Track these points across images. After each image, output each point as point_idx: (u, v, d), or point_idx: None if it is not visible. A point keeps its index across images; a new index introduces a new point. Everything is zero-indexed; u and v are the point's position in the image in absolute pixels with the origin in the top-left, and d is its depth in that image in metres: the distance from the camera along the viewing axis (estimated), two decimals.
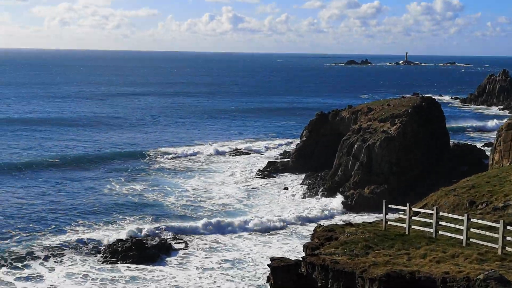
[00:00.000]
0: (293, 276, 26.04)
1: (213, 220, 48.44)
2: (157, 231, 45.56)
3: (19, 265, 38.52)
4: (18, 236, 43.31)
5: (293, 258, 28.18)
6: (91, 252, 41.06)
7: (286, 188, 61.48)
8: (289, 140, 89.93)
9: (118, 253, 40.13)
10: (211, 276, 38.15)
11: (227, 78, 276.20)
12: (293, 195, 59.26)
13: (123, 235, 43.74)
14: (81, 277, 37.17)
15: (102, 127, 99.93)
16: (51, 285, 35.92)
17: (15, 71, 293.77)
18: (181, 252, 42.14)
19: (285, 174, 68.46)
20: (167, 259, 40.80)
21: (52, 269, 38.28)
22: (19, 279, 36.64)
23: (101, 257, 40.19)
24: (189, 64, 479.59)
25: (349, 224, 28.98)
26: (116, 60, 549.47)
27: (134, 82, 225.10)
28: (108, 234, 44.37)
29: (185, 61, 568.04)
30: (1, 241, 42.16)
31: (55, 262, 39.33)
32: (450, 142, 68.11)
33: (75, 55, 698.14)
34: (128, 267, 38.95)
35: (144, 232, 45.12)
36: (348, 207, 54.56)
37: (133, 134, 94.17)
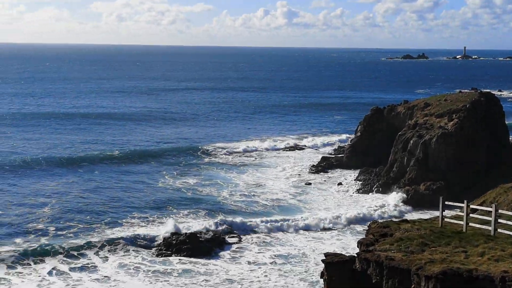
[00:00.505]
0: (347, 272, 25.90)
1: (268, 216, 48.65)
2: (211, 225, 45.93)
3: (75, 253, 39.55)
4: (75, 228, 44.43)
5: (347, 255, 28.09)
6: (145, 244, 41.66)
7: (340, 184, 61.11)
8: (343, 135, 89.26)
9: (172, 246, 40.71)
10: (263, 271, 38.26)
11: (281, 73, 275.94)
12: (347, 191, 58.86)
13: (177, 229, 44.14)
14: (133, 269, 37.93)
15: (157, 122, 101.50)
16: (104, 276, 36.79)
17: (74, 66, 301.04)
18: (234, 246, 42.44)
19: (339, 169, 68.06)
20: (221, 253, 41.15)
21: (105, 259, 39.16)
22: (73, 269, 37.65)
23: (156, 250, 40.82)
24: (243, 59, 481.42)
25: (405, 221, 28.64)
26: (171, 55, 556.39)
27: (189, 77, 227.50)
28: (162, 227, 44.88)
29: (240, 56, 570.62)
30: (59, 232, 43.36)
31: (109, 252, 40.17)
32: (510, 138, 66.25)
33: (131, 51, 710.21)
34: (180, 259, 39.49)
35: (198, 226, 45.62)
36: (403, 204, 53.85)
37: (187, 128, 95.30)
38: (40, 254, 39.01)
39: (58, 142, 78.28)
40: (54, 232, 43.32)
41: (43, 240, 41.34)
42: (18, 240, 41.26)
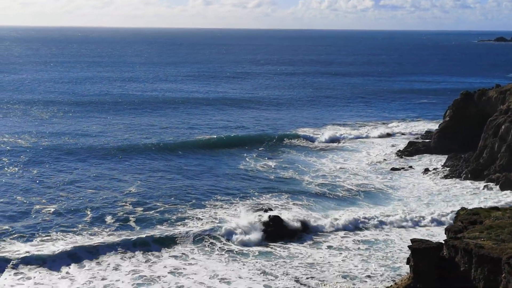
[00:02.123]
0: (435, 259, 25.50)
1: (352, 202, 48.51)
2: (298, 209, 46.12)
3: (157, 232, 40.75)
4: (161, 208, 45.68)
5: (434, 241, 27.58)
6: (228, 226, 42.21)
7: (427, 170, 59.73)
8: (431, 120, 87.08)
9: (257, 228, 41.14)
10: (344, 256, 38.27)
11: (368, 57, 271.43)
12: (435, 177, 57.46)
13: (260, 212, 44.70)
14: (209, 247, 39.12)
15: (239, 106, 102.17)
16: (182, 253, 38.07)
17: (161, 50, 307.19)
18: (319, 231, 42.41)
19: (426, 155, 66.61)
20: (304, 237, 41.35)
21: (186, 237, 40.16)
22: (155, 241, 39.23)
23: (240, 231, 41.30)
24: (330, 42, 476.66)
25: (495, 208, 27.83)
26: (256, 39, 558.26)
27: (274, 61, 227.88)
28: (245, 210, 45.61)
29: (326, 39, 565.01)
30: (146, 212, 44.78)
31: (190, 231, 41.12)
32: None
33: (217, 34, 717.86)
34: (262, 242, 40.15)
35: (281, 209, 45.90)
36: (492, 191, 52.06)
37: (269, 113, 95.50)
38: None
39: (145, 126, 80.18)
40: (141, 212, 44.80)
41: (133, 224, 42.63)
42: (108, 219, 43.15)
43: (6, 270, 34.60)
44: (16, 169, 55.99)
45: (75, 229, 40.89)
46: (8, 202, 46.19)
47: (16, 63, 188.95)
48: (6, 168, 56.03)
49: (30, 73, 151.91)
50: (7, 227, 40.74)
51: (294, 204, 47.81)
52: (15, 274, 34.38)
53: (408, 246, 28.23)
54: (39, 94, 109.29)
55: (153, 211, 45.02)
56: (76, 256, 36.83)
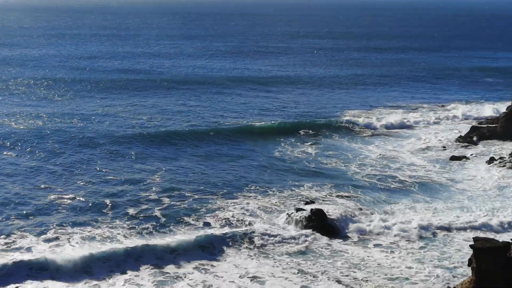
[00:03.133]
0: (500, 259, 25.33)
1: (408, 194, 48.45)
2: (339, 201, 46.30)
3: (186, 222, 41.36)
4: (189, 199, 46.23)
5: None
6: (263, 220, 42.60)
7: (492, 159, 58.98)
8: (497, 101, 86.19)
9: (296, 222, 41.58)
10: (394, 255, 38.29)
11: (418, 29, 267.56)
12: (501, 167, 56.72)
13: (300, 204, 45.00)
14: (241, 244, 39.35)
15: (275, 86, 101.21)
16: (210, 249, 38.53)
17: (185, 22, 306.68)
18: (367, 227, 42.38)
19: (491, 141, 66.08)
20: (350, 233, 41.43)
21: (215, 230, 40.66)
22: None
23: (276, 227, 41.57)
24: (376, 13, 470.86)
25: None
26: (292, 8, 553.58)
27: (313, 34, 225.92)
28: (283, 202, 45.96)
29: (371, 10, 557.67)
30: (172, 203, 45.34)
31: (221, 226, 41.59)
32: None
33: (247, 2, 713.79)
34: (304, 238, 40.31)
35: (323, 201, 46.07)
36: None
37: (309, 94, 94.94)
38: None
39: (169, 109, 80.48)
40: (167, 203, 45.39)
41: (158, 215, 43.18)
42: (131, 211, 43.85)
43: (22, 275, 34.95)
44: (31, 154, 57.12)
45: (94, 222, 41.54)
46: (19, 193, 46.94)
47: (27, 35, 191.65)
48: (16, 154, 57.24)
49: (42, 48, 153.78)
50: (19, 221, 41.51)
51: (338, 196, 47.92)
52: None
53: (470, 246, 28.07)
54: (51, 71, 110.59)
55: (180, 202, 45.62)
56: None
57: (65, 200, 45.41)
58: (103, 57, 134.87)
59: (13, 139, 61.51)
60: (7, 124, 67.77)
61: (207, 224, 41.79)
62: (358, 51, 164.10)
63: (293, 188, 49.65)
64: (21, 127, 66.41)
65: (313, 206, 43.66)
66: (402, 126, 73.78)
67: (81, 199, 45.76)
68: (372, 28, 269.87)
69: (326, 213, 42.45)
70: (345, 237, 40.88)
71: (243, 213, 43.67)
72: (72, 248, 37.43)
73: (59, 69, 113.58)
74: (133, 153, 58.59)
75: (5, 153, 57.27)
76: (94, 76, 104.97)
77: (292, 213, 42.74)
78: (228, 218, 42.71)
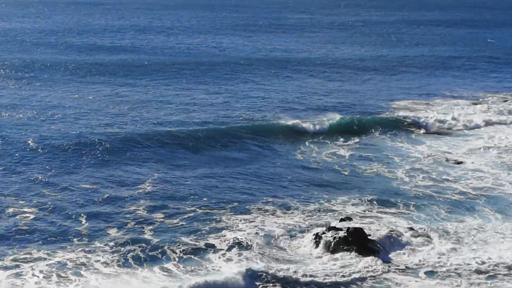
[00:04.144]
0: None
1: (472, 210, 47.56)
2: (383, 219, 45.58)
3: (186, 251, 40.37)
4: (188, 214, 45.50)
5: None
6: (285, 243, 41.85)
7: None
8: None
9: (327, 246, 40.72)
10: (453, 286, 37.31)
11: None
12: None
13: (333, 221, 44.25)
14: (258, 274, 38.22)
15: (300, 69, 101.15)
16: (214, 280, 37.21)
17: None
18: (417, 249, 41.41)
19: None
20: (397, 260, 40.35)
21: (219, 255, 40.00)
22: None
23: (305, 246, 41.20)
24: None
25: None
26: None
27: (352, 4, 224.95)
28: (309, 219, 45.24)
29: None
30: (167, 219, 44.53)
31: (231, 248, 40.86)
32: None
33: None
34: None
35: (363, 218, 45.29)
36: None
37: (342, 80, 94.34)
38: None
39: (165, 99, 79.70)
40: (160, 219, 44.51)
41: (149, 236, 42.46)
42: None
43: None
44: None
45: (65, 244, 40.47)
46: None
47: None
48: None
49: (29, 21, 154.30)
50: None
51: (381, 212, 47.11)
52: None
53: None
54: (38, 51, 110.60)
55: (177, 219, 44.68)
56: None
57: (29, 216, 44.25)
58: (68, 32, 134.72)
59: None
60: None
61: (210, 247, 40.78)
62: (408, 24, 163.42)
63: (321, 201, 48.81)
64: None
65: (350, 224, 42.82)
66: (464, 121, 72.92)
67: (49, 214, 44.61)
68: None
69: (368, 233, 41.69)
70: (391, 264, 39.94)
71: (256, 232, 42.79)
72: (36, 279, 36.42)
73: (42, 49, 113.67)
74: (116, 156, 57.47)
75: None
76: (56, 57, 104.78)
77: (322, 233, 41.79)
78: (237, 240, 41.66)
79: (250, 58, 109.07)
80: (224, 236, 42.36)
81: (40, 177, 51.53)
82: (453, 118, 73.31)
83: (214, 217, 45.26)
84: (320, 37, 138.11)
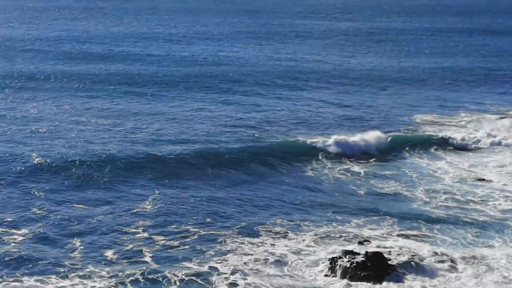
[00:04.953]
0: None
1: (502, 233, 47.35)
2: (405, 242, 45.25)
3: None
4: (191, 236, 45.35)
5: None
6: (297, 265, 41.71)
7: None
8: None
9: (344, 271, 40.42)
10: None
11: None
12: None
13: (350, 245, 44.08)
14: None
15: (312, 81, 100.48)
16: None
17: None
18: (443, 275, 41.06)
19: None
20: (418, 284, 40.00)
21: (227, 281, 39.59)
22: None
23: (316, 276, 40.76)
24: None
25: None
26: None
27: (368, 8, 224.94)
28: (322, 242, 45.07)
29: None
30: (168, 241, 44.26)
31: (238, 275, 40.54)
32: None
33: None
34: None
35: (383, 241, 45.10)
36: None
37: (358, 92, 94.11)
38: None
39: (168, 114, 79.06)
40: (161, 242, 44.23)
41: (149, 259, 42.19)
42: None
43: None
44: None
45: (58, 269, 40.15)
46: None
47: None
48: None
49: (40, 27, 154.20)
50: None
51: (402, 235, 46.76)
52: None
53: None
54: (33, 60, 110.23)
55: (178, 241, 44.53)
56: None
57: (17, 238, 44.07)
58: (65, 40, 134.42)
59: None
60: None
61: (215, 273, 40.50)
62: (429, 32, 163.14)
63: (334, 223, 48.61)
64: None
65: (368, 248, 42.62)
66: (489, 137, 72.44)
67: (39, 235, 44.39)
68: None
69: (387, 258, 41.47)
70: None
71: (266, 259, 42.42)
72: None
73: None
74: (114, 175, 57.27)
75: None
76: (48, 68, 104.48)
77: (338, 257, 41.46)
78: (244, 265, 41.41)
79: (260, 68, 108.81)
80: (229, 260, 42.14)
81: (31, 197, 51.47)
82: (478, 133, 73.26)
83: (219, 239, 45.05)
84: (336, 45, 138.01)
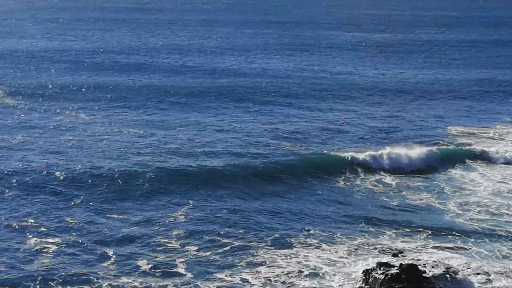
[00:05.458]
0: None
1: None
2: (439, 255, 44.83)
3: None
4: (223, 247, 45.26)
5: None
6: (327, 281, 41.28)
7: None
8: None
9: (378, 283, 39.90)
10: None
11: None
12: None
13: (383, 256, 43.84)
14: None
15: (336, 95, 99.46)
16: None
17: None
18: None
19: None
20: None
21: None
22: None
23: (354, 284, 40.69)
24: None
25: None
26: None
27: (405, 21, 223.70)
28: (355, 254, 44.77)
29: None
30: (200, 252, 44.15)
31: (264, 280, 40.51)
32: None
33: None
34: None
35: (417, 254, 44.75)
36: None
37: (391, 103, 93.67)
38: None
39: (214, 125, 78.99)
40: (194, 252, 44.14)
41: (182, 270, 42.16)
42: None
43: None
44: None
45: (92, 279, 40.21)
46: None
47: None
48: None
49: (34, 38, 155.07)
50: None
51: (436, 247, 46.39)
52: None
53: None
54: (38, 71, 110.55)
55: (210, 251, 44.43)
56: None
57: (50, 246, 44.20)
58: (98, 51, 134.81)
59: None
60: None
61: (247, 284, 40.43)
62: (470, 44, 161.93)
63: (367, 235, 48.35)
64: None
65: (402, 260, 42.25)
66: None
67: (74, 245, 44.49)
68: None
69: (422, 270, 40.72)
70: None
71: (300, 270, 42.15)
72: None
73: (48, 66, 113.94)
74: (147, 183, 57.35)
75: None
76: (82, 79, 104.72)
77: (372, 269, 41.07)
78: (276, 277, 41.21)
79: (293, 79, 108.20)
80: (261, 272, 41.94)
81: (64, 207, 51.60)
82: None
83: (251, 251, 44.88)
84: (368, 57, 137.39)
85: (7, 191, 54.48)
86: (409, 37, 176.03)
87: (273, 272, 41.90)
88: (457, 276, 41.46)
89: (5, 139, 68.23)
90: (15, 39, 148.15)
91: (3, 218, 48.71)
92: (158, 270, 41.66)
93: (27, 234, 46.11)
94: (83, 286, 39.38)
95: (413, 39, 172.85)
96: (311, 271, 42.26)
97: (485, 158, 69.03)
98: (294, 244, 46.09)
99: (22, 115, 79.38)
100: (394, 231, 49.27)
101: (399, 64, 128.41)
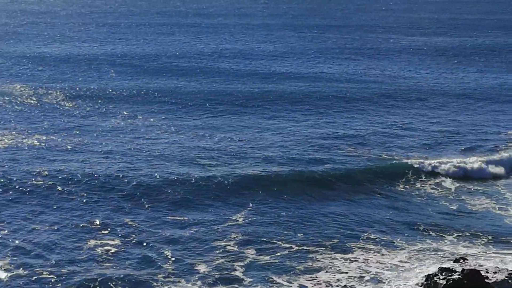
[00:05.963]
0: None
1: None
2: (502, 260, 44.21)
3: None
4: (282, 251, 45.02)
5: None
6: (394, 284, 40.95)
7: None
8: None
9: (442, 287, 39.16)
10: None
11: None
12: None
13: (445, 262, 43.20)
14: None
15: (401, 100, 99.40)
16: None
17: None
18: None
19: None
20: None
21: None
22: None
23: None
24: None
25: None
26: None
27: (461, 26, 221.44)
28: (416, 259, 44.37)
29: None
30: (259, 256, 44.00)
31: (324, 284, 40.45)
32: None
33: None
34: None
35: (480, 259, 44.16)
36: None
37: (447, 112, 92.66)
38: None
39: (273, 129, 78.69)
40: (252, 256, 44.03)
41: (240, 274, 42.03)
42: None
43: None
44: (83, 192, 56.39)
45: (151, 282, 40.29)
46: (51, 239, 46.34)
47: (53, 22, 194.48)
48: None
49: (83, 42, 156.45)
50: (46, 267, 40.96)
51: (499, 253, 45.65)
52: None
53: None
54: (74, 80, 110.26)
55: (268, 256, 44.22)
56: None
57: (111, 249, 44.52)
58: (154, 55, 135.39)
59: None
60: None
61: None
62: None
63: (428, 240, 47.87)
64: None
65: (464, 266, 41.53)
66: None
67: (133, 249, 44.71)
68: None
69: (484, 276, 40.09)
70: None
71: (361, 276, 41.79)
72: None
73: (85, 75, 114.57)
74: (205, 188, 57.32)
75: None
76: (143, 84, 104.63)
77: (434, 275, 40.47)
78: (337, 282, 40.84)
79: (352, 84, 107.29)
80: (320, 277, 41.65)
81: (127, 210, 51.91)
82: None
83: (310, 255, 44.63)
84: (429, 61, 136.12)
85: (72, 191, 55.08)
86: (470, 41, 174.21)
87: (334, 277, 41.62)
88: None
89: (66, 141, 68.78)
90: (78, 42, 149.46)
91: (68, 219, 49.25)
92: (217, 274, 41.58)
93: (89, 235, 46.59)
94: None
95: (474, 42, 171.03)
96: (372, 276, 41.94)
97: None
98: (353, 249, 45.78)
99: (82, 118, 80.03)
100: (455, 236, 48.73)
101: (460, 68, 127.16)
